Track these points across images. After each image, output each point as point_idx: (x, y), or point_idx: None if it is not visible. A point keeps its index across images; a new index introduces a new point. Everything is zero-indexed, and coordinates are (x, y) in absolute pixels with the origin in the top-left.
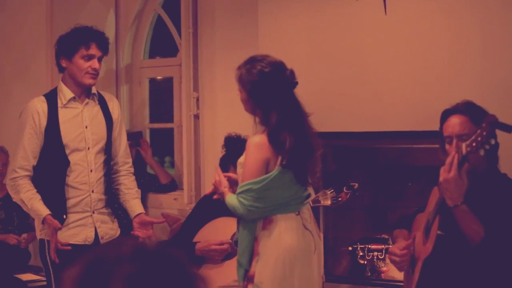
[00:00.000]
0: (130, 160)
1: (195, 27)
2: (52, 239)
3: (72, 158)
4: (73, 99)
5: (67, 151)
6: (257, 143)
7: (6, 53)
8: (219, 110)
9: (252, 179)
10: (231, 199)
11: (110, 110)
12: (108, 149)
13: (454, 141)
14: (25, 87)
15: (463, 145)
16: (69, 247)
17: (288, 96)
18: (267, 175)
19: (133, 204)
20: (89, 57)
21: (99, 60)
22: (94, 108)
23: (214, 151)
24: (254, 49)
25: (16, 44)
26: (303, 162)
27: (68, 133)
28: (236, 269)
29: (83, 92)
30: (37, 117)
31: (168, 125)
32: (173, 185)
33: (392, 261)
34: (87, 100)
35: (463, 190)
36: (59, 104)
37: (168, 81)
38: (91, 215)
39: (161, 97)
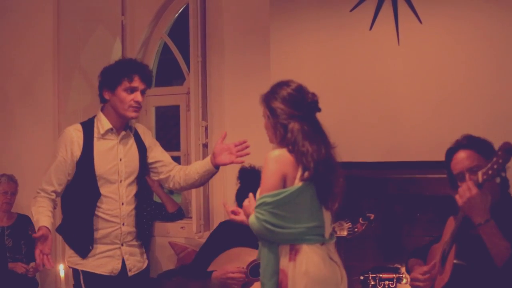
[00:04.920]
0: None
1: (203, 56)
2: (38, 245)
3: (104, 190)
4: (110, 130)
5: (98, 183)
6: (276, 155)
7: (12, 79)
8: (227, 139)
9: (267, 192)
10: (251, 217)
11: (143, 140)
12: (140, 181)
13: (467, 175)
14: (30, 114)
15: (479, 173)
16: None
17: (310, 115)
18: (285, 189)
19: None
20: (132, 90)
21: (142, 93)
22: (129, 141)
23: (222, 180)
24: (264, 77)
25: (22, 71)
26: (327, 177)
27: (101, 165)
28: None
29: (122, 125)
30: (70, 147)
31: (175, 153)
32: (180, 214)
33: (415, 287)
34: (123, 133)
35: (488, 205)
36: (95, 135)
37: (172, 109)
38: (120, 248)
39: (166, 124)
